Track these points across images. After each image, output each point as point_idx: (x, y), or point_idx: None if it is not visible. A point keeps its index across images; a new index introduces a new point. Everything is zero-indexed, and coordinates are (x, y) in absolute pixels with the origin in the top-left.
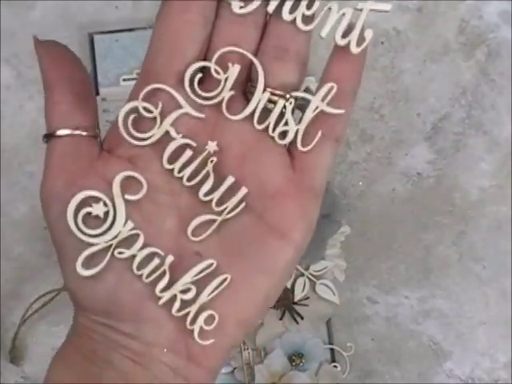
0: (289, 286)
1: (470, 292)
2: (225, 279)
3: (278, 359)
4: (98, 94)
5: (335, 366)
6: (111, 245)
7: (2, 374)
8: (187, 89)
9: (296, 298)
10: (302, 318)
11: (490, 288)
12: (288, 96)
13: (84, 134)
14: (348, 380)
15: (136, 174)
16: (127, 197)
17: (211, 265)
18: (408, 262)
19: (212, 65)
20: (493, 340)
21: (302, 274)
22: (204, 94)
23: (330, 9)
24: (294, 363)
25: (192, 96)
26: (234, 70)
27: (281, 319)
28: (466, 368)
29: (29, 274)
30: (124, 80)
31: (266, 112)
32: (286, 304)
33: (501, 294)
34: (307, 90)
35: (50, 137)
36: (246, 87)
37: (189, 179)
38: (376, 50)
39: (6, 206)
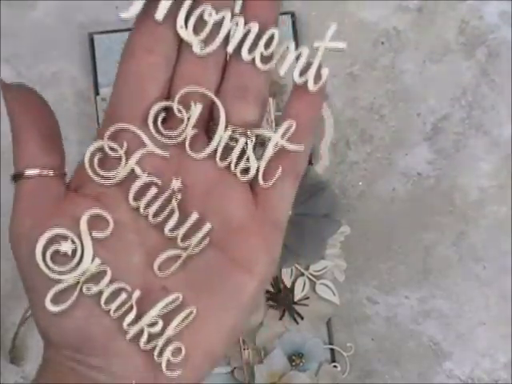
0: (289, 285)
1: (470, 292)
2: (191, 312)
3: (277, 359)
4: (98, 94)
5: (335, 366)
6: (79, 281)
7: (2, 374)
8: (151, 128)
9: (296, 298)
10: (302, 318)
11: (490, 288)
12: (249, 133)
13: (51, 173)
14: (348, 380)
15: (103, 212)
16: (94, 234)
17: (177, 299)
18: (408, 263)
19: (175, 104)
20: (493, 340)
21: (302, 274)
22: (167, 133)
23: (287, 48)
24: (293, 363)
25: (156, 135)
26: (196, 109)
27: (281, 319)
28: (465, 368)
29: None
30: None
31: (228, 150)
32: (285, 304)
33: (501, 295)
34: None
35: (18, 177)
36: (208, 125)
37: (154, 216)
38: (376, 50)
39: (6, 206)
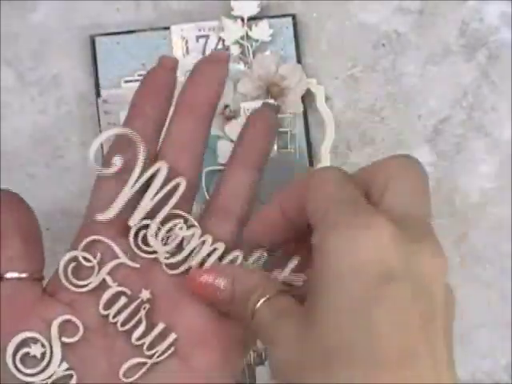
0: None
1: (471, 294)
2: None
3: None
4: (99, 95)
5: None
6: (46, 383)
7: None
8: (131, 243)
9: None
10: None
11: (491, 290)
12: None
13: (29, 277)
14: None
15: (74, 318)
16: (64, 339)
17: None
18: None
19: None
20: (494, 342)
21: None
22: (146, 248)
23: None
24: None
25: (133, 247)
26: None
27: None
28: (466, 370)
29: None
30: (125, 82)
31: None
32: None
33: (502, 296)
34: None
35: None
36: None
37: (123, 324)
38: (377, 52)
39: None
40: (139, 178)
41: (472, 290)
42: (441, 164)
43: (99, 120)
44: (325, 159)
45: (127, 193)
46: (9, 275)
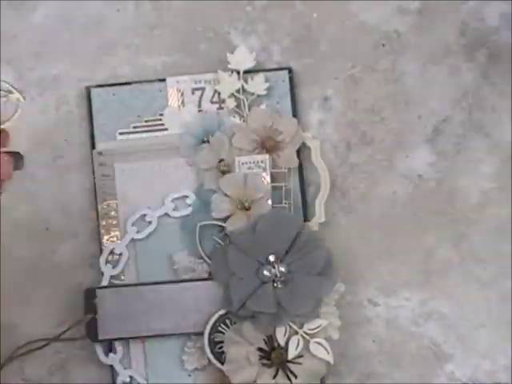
0: (282, 344)
1: (471, 294)
2: None
3: None
4: (94, 147)
5: None
6: None
7: (1, 376)
8: None
9: (289, 357)
10: (296, 377)
11: (490, 290)
12: None
13: None
14: (349, 382)
15: None
16: None
17: None
18: (409, 264)
19: None
20: (494, 342)
21: (296, 333)
22: None
23: None
24: None
25: None
26: None
27: (274, 378)
28: (466, 370)
29: (29, 275)
30: (120, 134)
31: None
32: (279, 362)
33: (501, 296)
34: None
35: None
36: None
37: None
38: (377, 52)
39: (6, 208)
40: None
41: (472, 290)
42: (441, 164)
43: (94, 172)
44: (319, 213)
45: None
46: None
